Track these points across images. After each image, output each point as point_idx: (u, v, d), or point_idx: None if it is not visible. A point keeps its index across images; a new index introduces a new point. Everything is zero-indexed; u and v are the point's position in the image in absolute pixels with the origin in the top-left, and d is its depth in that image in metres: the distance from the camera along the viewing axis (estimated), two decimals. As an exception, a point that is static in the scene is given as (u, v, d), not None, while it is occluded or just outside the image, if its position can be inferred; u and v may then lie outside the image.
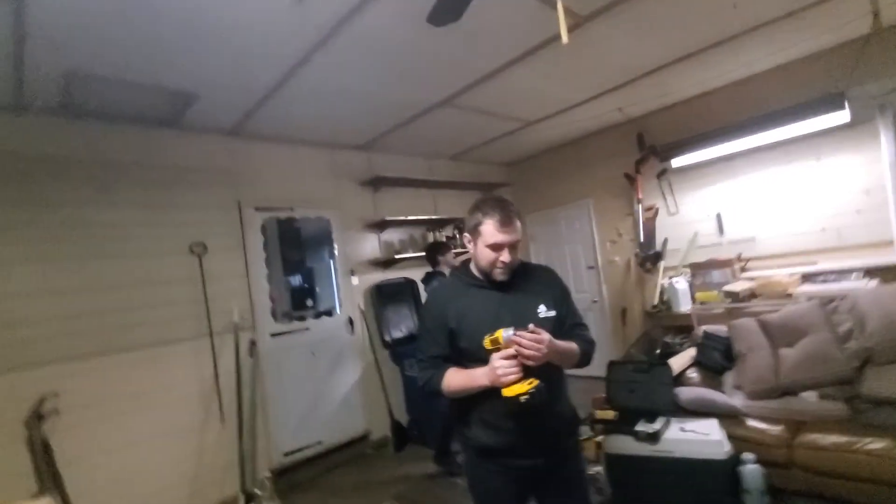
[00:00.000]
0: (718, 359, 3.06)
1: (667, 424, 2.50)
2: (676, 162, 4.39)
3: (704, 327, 3.39)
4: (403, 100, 3.49)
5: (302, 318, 4.03)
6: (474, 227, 1.52)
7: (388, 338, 4.32)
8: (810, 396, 2.54)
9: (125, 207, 3.11)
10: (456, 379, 1.45)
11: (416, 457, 3.80)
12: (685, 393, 2.71)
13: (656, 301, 4.49)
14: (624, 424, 2.54)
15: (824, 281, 3.54)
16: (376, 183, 4.51)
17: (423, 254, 4.11)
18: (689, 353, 3.21)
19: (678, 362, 3.06)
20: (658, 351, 3.55)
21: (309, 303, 4.27)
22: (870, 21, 3.17)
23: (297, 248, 5.39)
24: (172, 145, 3.39)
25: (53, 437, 2.45)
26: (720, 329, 3.22)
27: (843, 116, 3.42)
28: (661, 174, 4.65)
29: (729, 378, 2.97)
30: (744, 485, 2.26)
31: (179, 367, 3.20)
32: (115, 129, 3.13)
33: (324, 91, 3.15)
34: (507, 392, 1.31)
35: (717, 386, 2.96)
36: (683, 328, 3.99)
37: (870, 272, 3.41)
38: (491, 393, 1.36)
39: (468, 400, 1.46)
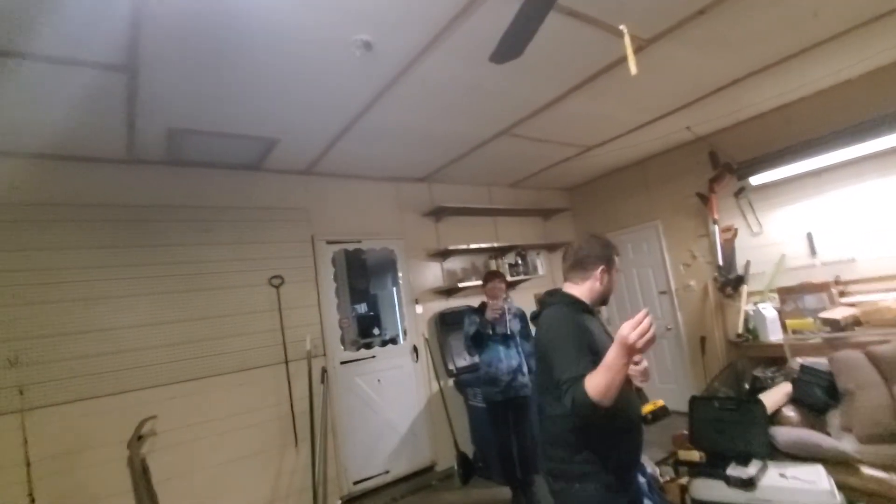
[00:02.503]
0: (820, 395, 2.74)
1: (763, 469, 2.26)
2: (756, 179, 4.10)
3: (800, 360, 3.07)
4: (463, 134, 3.58)
5: (369, 346, 4.14)
6: (610, 258, 1.71)
7: (451, 366, 4.31)
8: (940, 442, 2.20)
9: (218, 245, 3.43)
10: (596, 379, 1.36)
11: (483, 491, 3.70)
12: (783, 434, 2.45)
13: (741, 329, 4.13)
14: (713, 467, 2.33)
15: (945, 307, 3.11)
16: (438, 213, 4.60)
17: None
18: (784, 389, 2.91)
19: (772, 399, 2.78)
20: (747, 386, 3.25)
21: (375, 331, 4.38)
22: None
23: (363, 278, 5.61)
24: (256, 186, 3.69)
25: (150, 457, 2.66)
26: (820, 362, 2.90)
27: (955, 121, 3.06)
28: (739, 192, 4.36)
29: (834, 418, 2.65)
30: (863, 544, 1.98)
31: (259, 392, 3.38)
32: (209, 175, 3.49)
33: (388, 130, 3.30)
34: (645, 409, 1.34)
35: (820, 427, 2.65)
36: (774, 360, 3.63)
37: None
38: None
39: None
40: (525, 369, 3.36)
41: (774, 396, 2.83)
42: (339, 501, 3.36)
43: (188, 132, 2.91)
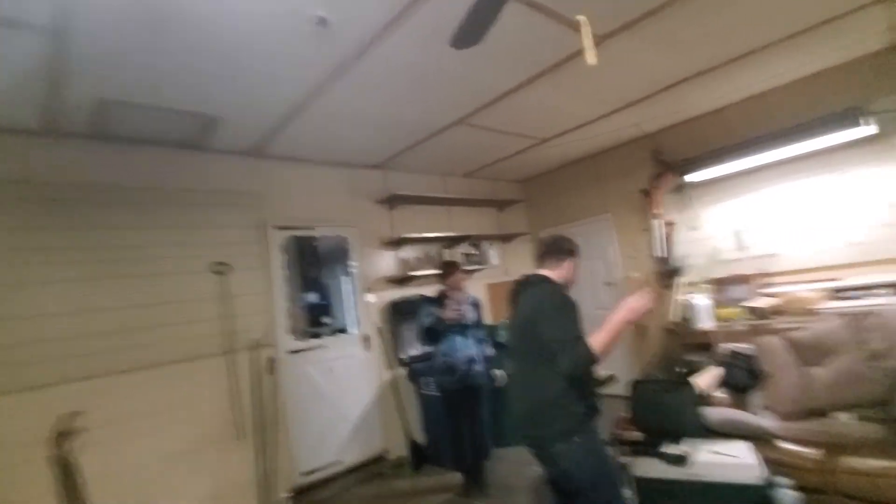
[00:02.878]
0: (745, 377, 2.98)
1: (695, 447, 2.43)
2: (694, 177, 4.36)
3: (730, 345, 3.32)
4: (420, 120, 3.54)
5: (319, 335, 4.03)
6: (577, 254, 2.13)
7: (404, 355, 4.30)
8: (847, 418, 2.46)
9: (156, 229, 3.21)
10: (601, 337, 1.72)
11: (434, 477, 3.75)
12: (714, 414, 2.64)
13: (675, 318, 4.41)
14: (651, 446, 2.47)
15: (851, 297, 3.45)
16: (392, 201, 4.55)
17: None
18: (714, 372, 3.14)
19: (703, 381, 2.99)
20: (678, 369, 3.47)
21: (326, 320, 4.27)
22: (889, 35, 3.16)
23: (315, 266, 5.44)
24: (198, 167, 3.47)
25: (80, 455, 2.47)
26: (745, 347, 3.15)
27: (864, 130, 3.38)
28: (679, 189, 4.62)
29: (756, 398, 2.89)
30: (779, 511, 2.17)
31: (200, 385, 3.22)
32: (144, 153, 3.24)
33: (343, 113, 3.21)
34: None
35: (745, 406, 2.89)
36: (703, 346, 3.90)
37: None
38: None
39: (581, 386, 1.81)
40: (480, 356, 3.43)
41: (705, 379, 3.04)
42: (287, 494, 3.28)
43: (121, 104, 2.67)
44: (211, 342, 3.31)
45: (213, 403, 3.25)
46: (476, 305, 3.59)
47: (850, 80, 3.58)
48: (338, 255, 4.45)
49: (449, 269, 3.55)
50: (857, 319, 2.73)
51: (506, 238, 5.63)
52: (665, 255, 4.72)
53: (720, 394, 2.95)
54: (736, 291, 4.06)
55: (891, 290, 3.33)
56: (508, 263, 5.67)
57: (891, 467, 2.10)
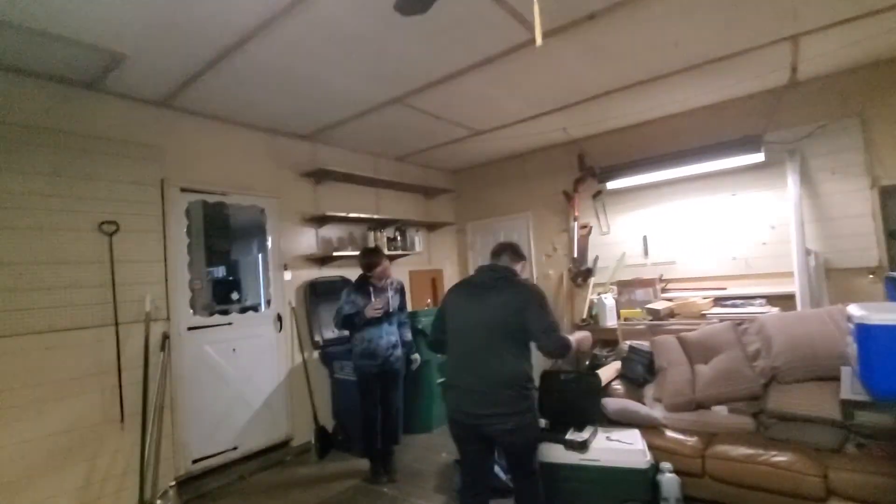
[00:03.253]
0: (641, 372, 3.23)
1: (594, 434, 2.58)
2: (611, 184, 4.63)
3: (629, 342, 3.58)
4: (354, 93, 3.37)
5: (225, 312, 3.72)
6: (526, 259, 2.46)
7: (318, 338, 4.12)
8: (722, 410, 2.75)
9: (28, 175, 2.73)
10: (578, 336, 2.22)
11: (341, 464, 3.64)
12: (611, 404, 2.83)
13: (585, 315, 4.68)
14: (555, 433, 2.59)
15: (733, 305, 3.89)
16: (319, 176, 4.31)
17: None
18: (615, 366, 3.37)
19: (605, 374, 3.20)
20: (587, 363, 3.69)
21: (234, 296, 3.96)
22: (788, 73, 3.56)
23: (224, 237, 5.03)
24: (90, 109, 3.02)
25: None
26: (644, 344, 3.41)
27: (758, 157, 3.80)
28: (597, 195, 4.89)
29: (650, 390, 3.15)
30: (662, 492, 2.38)
31: (76, 359, 2.81)
32: (26, 86, 2.75)
33: (270, 71, 2.95)
34: None
35: (640, 398, 3.12)
36: (610, 342, 4.19)
37: (771, 299, 3.80)
38: None
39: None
40: (401, 341, 3.40)
41: (607, 372, 3.26)
42: (173, 482, 2.98)
43: (8, 27, 2.23)
44: (96, 312, 2.90)
45: (92, 381, 2.86)
46: (401, 291, 3.54)
47: (751, 110, 4.00)
48: (252, 227, 4.15)
49: (374, 259, 3.37)
50: (739, 324, 3.06)
51: (431, 226, 5.61)
52: (579, 255, 4.98)
53: (618, 386, 3.16)
54: (639, 294, 4.39)
55: (765, 301, 3.81)
56: (432, 252, 5.67)
57: (755, 455, 2.38)
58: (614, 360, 3.64)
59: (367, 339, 3.26)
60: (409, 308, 4.83)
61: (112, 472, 2.84)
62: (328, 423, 4.01)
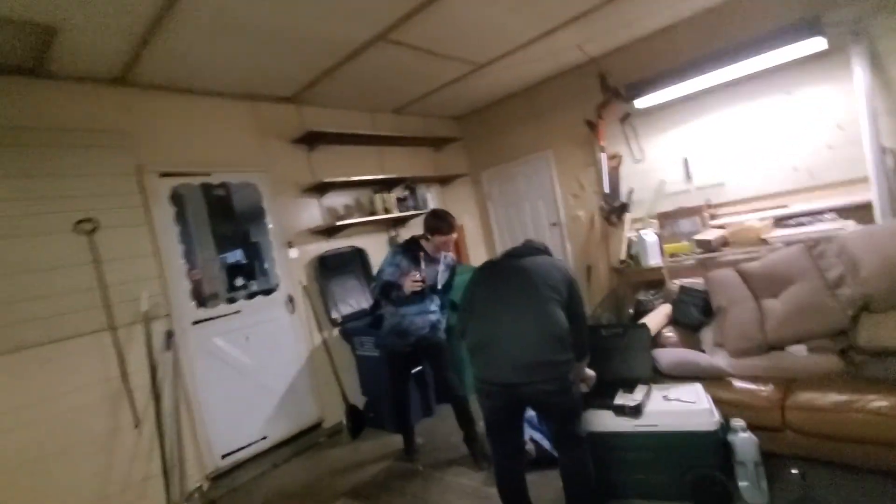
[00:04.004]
0: (696, 315, 2.80)
1: (648, 394, 2.21)
2: (641, 103, 4.01)
3: (678, 281, 3.13)
4: (333, 35, 2.90)
5: (232, 300, 3.49)
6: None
7: (336, 315, 3.87)
8: (800, 350, 2.32)
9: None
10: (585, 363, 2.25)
11: (374, 442, 3.45)
12: (665, 356, 2.44)
13: (623, 256, 4.22)
14: (602, 397, 2.23)
15: (798, 224, 3.33)
16: (311, 140, 3.92)
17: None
18: (664, 311, 2.95)
19: (654, 321, 2.79)
20: (631, 311, 3.28)
21: (238, 282, 3.71)
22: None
23: (230, 219, 4.76)
24: (41, 99, 2.70)
25: None
26: (697, 282, 2.96)
27: (818, 43, 3.12)
28: (625, 118, 4.30)
29: (708, 335, 2.73)
30: (737, 455, 2.01)
31: (76, 369, 2.64)
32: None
33: (231, 26, 2.54)
34: None
35: (697, 345, 2.72)
36: (654, 283, 3.75)
37: (844, 212, 3.22)
38: None
39: None
40: (442, 322, 3.00)
41: (656, 318, 2.85)
42: (200, 483, 2.86)
43: None
44: (85, 318, 2.70)
45: (98, 389, 2.70)
46: (452, 269, 3.02)
47: (806, -15, 3.27)
48: (255, 207, 3.84)
49: (442, 224, 2.74)
50: (812, 247, 2.55)
51: (444, 180, 5.17)
52: (611, 190, 4.46)
53: (670, 333, 2.76)
54: (684, 225, 3.87)
55: (836, 216, 3.24)
56: (448, 207, 5.22)
57: (848, 401, 1.96)
58: (662, 303, 3.22)
59: (401, 315, 2.85)
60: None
61: (131, 479, 2.72)
62: (359, 400, 3.82)
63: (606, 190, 4.45)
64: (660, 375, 2.43)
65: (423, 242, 2.87)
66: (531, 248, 2.19)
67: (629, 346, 2.39)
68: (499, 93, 4.87)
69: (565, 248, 4.95)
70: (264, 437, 3.36)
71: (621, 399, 2.17)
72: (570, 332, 1.92)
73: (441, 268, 2.93)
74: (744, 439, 2.01)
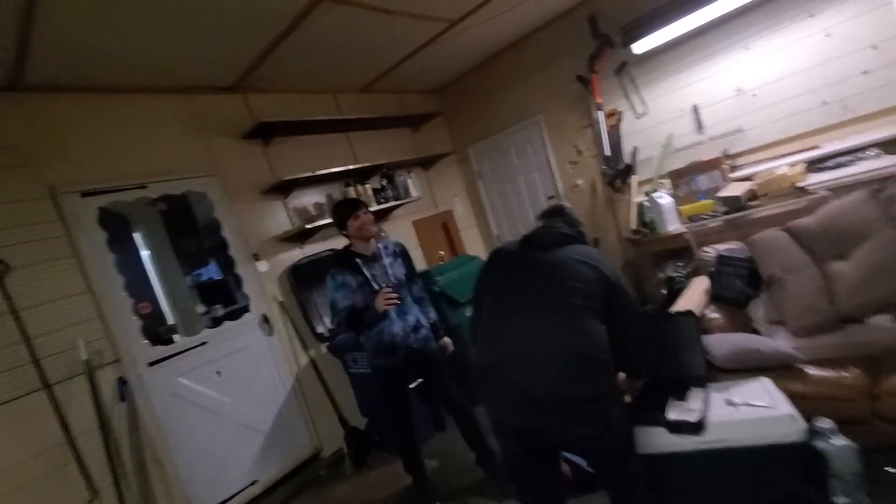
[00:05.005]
0: (741, 287, 2.36)
1: (707, 400, 1.77)
2: (638, 47, 3.52)
3: (712, 248, 2.68)
4: (260, 1, 2.35)
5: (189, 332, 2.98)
6: None
7: (321, 328, 3.39)
8: (882, 321, 1.88)
9: None
10: None
11: (382, 471, 3.03)
12: (718, 345, 1.99)
13: (635, 224, 3.75)
14: (649, 410, 1.79)
15: (837, 166, 2.87)
16: (264, 133, 3.37)
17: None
18: (701, 286, 2.50)
19: (693, 300, 2.34)
20: (664, 291, 2.83)
21: (199, 309, 3.22)
22: None
23: (193, 235, 4.22)
24: None
25: None
26: (735, 248, 2.51)
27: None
28: (622, 68, 3.78)
29: (758, 310, 2.29)
30: (834, 467, 1.58)
31: (9, 442, 2.17)
32: None
33: (123, 3, 1.99)
34: None
35: (746, 324, 2.28)
36: (677, 252, 3.30)
37: (887, 145, 2.77)
38: None
39: None
40: (423, 320, 2.52)
41: (694, 296, 2.39)
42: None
43: None
44: (11, 380, 2.21)
45: (39, 462, 2.23)
46: (402, 254, 2.57)
47: None
48: (206, 217, 3.32)
49: (344, 211, 2.43)
50: (878, 191, 2.09)
51: (426, 163, 4.65)
52: (612, 152, 3.97)
53: (715, 314, 2.31)
54: (701, 181, 3.40)
55: (880, 151, 2.78)
56: (435, 192, 4.75)
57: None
58: (693, 275, 2.77)
59: (377, 332, 2.39)
60: (424, 266, 4.05)
61: (93, 565, 2.28)
62: (359, 421, 3.38)
63: (607, 152, 3.96)
64: (713, 369, 1.99)
65: (351, 246, 2.46)
66: (558, 236, 1.64)
67: (675, 340, 1.94)
68: (478, 56, 4.32)
69: (568, 222, 4.46)
70: (254, 482, 2.92)
71: (676, 411, 1.73)
72: (614, 350, 1.45)
73: (387, 261, 2.45)
74: (841, 448, 1.58)
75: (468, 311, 3.54)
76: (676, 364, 1.91)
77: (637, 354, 1.60)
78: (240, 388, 2.97)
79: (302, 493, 3.02)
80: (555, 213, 1.79)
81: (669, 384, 1.87)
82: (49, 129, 2.53)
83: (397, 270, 2.47)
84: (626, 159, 3.95)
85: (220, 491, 2.77)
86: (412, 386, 2.83)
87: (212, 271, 4.11)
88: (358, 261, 2.39)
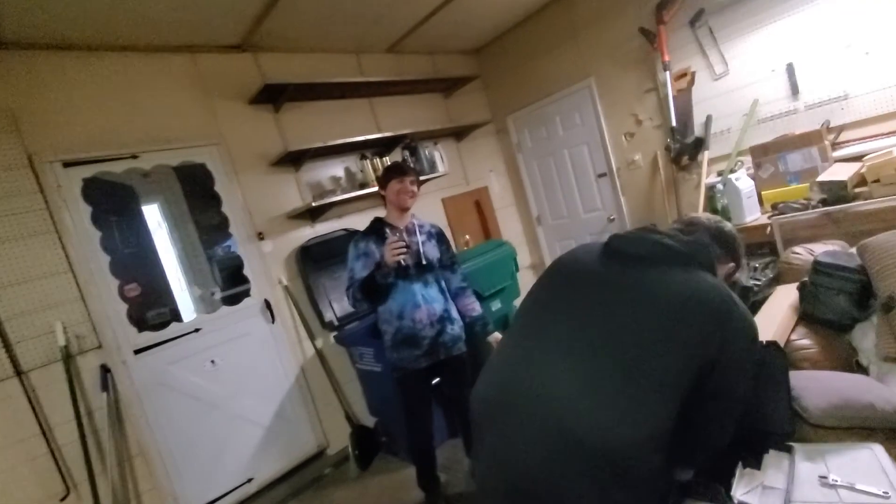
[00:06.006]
0: (844, 306, 1.76)
1: (792, 473, 1.26)
2: (721, -9, 2.82)
3: (802, 249, 2.07)
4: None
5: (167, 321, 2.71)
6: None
7: (329, 316, 3.09)
8: None
9: None
10: None
11: (388, 477, 2.73)
12: (813, 392, 1.44)
13: (702, 211, 3.12)
14: (706, 479, 1.31)
15: None
16: (274, 97, 3.03)
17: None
18: (786, 300, 1.91)
19: (777, 321, 1.77)
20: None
21: (213, 290, 2.98)
22: None
23: (214, 206, 4.01)
24: None
25: None
26: (838, 250, 1.90)
27: None
28: (697, 18, 3.09)
29: (865, 339, 1.70)
30: None
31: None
32: None
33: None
34: None
35: (845, 355, 1.71)
36: (756, 249, 2.67)
37: None
38: None
39: None
40: (455, 314, 2.19)
41: (778, 315, 1.82)
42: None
43: None
44: (-16, 363, 2.07)
45: (20, 451, 2.10)
46: (439, 236, 2.26)
47: None
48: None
49: (394, 173, 2.18)
50: None
51: (459, 133, 4.17)
52: (680, 122, 3.31)
53: (804, 340, 1.74)
54: (793, 160, 2.72)
55: None
56: (467, 166, 4.27)
57: None
58: (776, 282, 2.18)
59: (398, 315, 2.06)
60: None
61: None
62: (368, 418, 3.10)
63: (673, 122, 3.31)
64: (801, 421, 1.46)
65: (387, 214, 2.21)
66: (662, 248, 1.07)
67: (761, 376, 1.42)
68: (521, 10, 3.73)
69: (619, 204, 3.88)
70: (249, 480, 2.72)
71: (747, 487, 1.24)
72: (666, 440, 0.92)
73: (420, 238, 2.14)
74: None
75: (495, 305, 3.15)
76: (754, 414, 1.39)
77: (703, 451, 1.12)
78: (237, 379, 2.74)
79: (299, 495, 2.79)
80: (686, 222, 1.29)
81: (740, 442, 1.37)
82: (29, 91, 2.30)
83: (430, 251, 2.17)
84: (697, 131, 3.30)
85: (213, 488, 2.59)
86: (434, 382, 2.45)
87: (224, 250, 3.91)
88: (388, 231, 2.13)
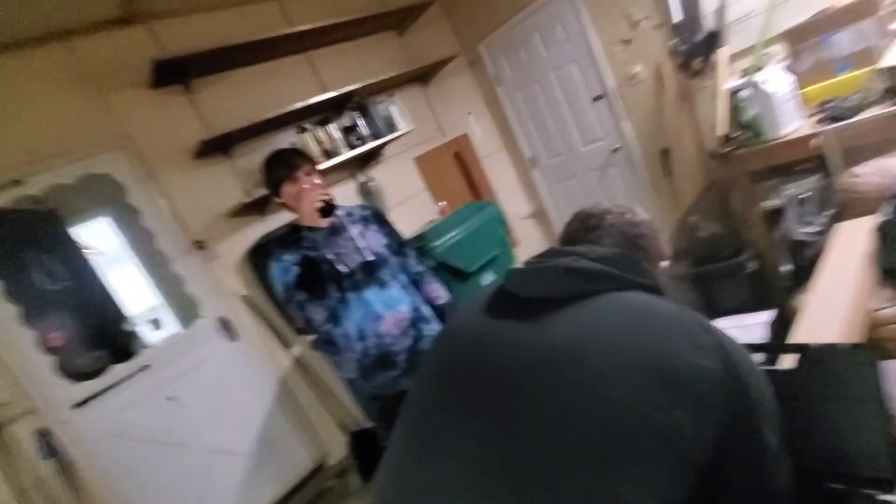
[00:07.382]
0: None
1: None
2: None
3: (867, 169, 1.52)
4: None
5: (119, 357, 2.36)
6: None
7: (299, 321, 2.71)
8: None
9: None
10: None
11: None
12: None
13: (725, 127, 2.49)
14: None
15: None
16: (179, 74, 2.47)
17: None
18: (855, 246, 1.39)
19: (848, 289, 1.26)
20: (790, 266, 1.71)
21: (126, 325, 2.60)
22: None
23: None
24: None
25: None
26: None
27: None
28: None
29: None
30: None
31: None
32: None
33: None
34: None
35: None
36: (792, 168, 2.09)
37: None
38: None
39: None
40: (425, 308, 1.75)
41: (846, 282, 1.30)
42: None
43: None
44: None
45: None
46: (376, 217, 1.78)
47: None
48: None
49: (278, 171, 1.62)
50: None
51: (424, 76, 3.52)
52: (687, 16, 2.62)
53: (890, 309, 1.24)
54: (841, 41, 2.06)
55: None
56: (440, 114, 3.66)
57: None
58: (836, 221, 1.64)
59: (357, 335, 1.63)
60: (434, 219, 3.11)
61: None
62: (364, 420, 2.80)
63: (677, 17, 2.62)
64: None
65: (300, 218, 1.63)
66: (598, 276, 0.70)
67: (833, 396, 0.95)
68: None
69: (621, 130, 3.26)
70: (243, 513, 2.49)
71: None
72: None
73: (354, 230, 1.67)
74: None
75: (486, 280, 2.71)
76: (836, 439, 0.94)
77: None
78: (204, 410, 2.43)
79: (304, 517, 2.56)
80: (585, 226, 0.87)
81: (818, 474, 0.93)
82: None
83: (373, 241, 1.69)
84: (709, 24, 2.60)
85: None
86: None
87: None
88: (308, 234, 1.61)
